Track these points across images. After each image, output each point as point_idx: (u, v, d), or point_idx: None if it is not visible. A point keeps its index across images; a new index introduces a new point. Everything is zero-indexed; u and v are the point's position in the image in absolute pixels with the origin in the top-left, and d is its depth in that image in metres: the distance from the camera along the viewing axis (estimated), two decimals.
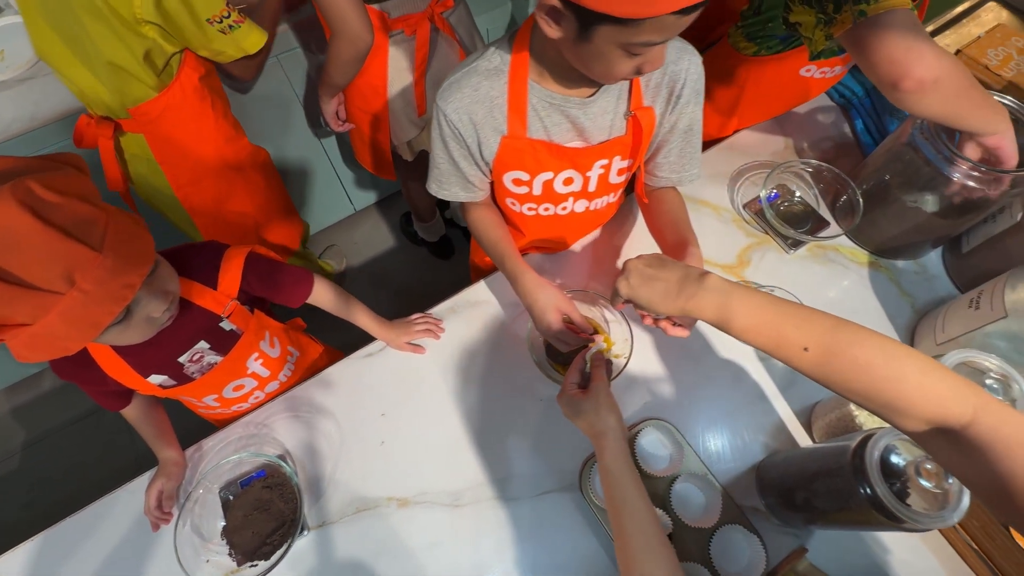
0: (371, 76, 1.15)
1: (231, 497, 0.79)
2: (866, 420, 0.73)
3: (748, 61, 0.99)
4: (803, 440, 0.84)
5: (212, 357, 0.76)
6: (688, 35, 0.64)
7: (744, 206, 1.05)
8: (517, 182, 0.79)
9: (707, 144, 1.13)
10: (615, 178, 0.81)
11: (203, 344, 0.74)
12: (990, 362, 0.65)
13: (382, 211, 2.09)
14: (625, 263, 0.64)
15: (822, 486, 0.67)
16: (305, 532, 0.79)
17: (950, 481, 0.57)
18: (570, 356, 0.82)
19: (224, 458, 0.81)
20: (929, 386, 0.45)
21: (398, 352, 0.92)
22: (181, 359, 0.73)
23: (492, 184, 0.85)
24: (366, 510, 0.81)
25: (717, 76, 1.04)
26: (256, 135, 1.32)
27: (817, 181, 1.03)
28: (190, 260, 0.70)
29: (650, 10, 0.48)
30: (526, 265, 0.80)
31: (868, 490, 0.57)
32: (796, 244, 1.00)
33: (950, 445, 0.44)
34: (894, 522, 0.56)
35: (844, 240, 1.01)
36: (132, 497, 0.82)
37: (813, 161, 1.02)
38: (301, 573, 0.77)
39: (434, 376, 0.91)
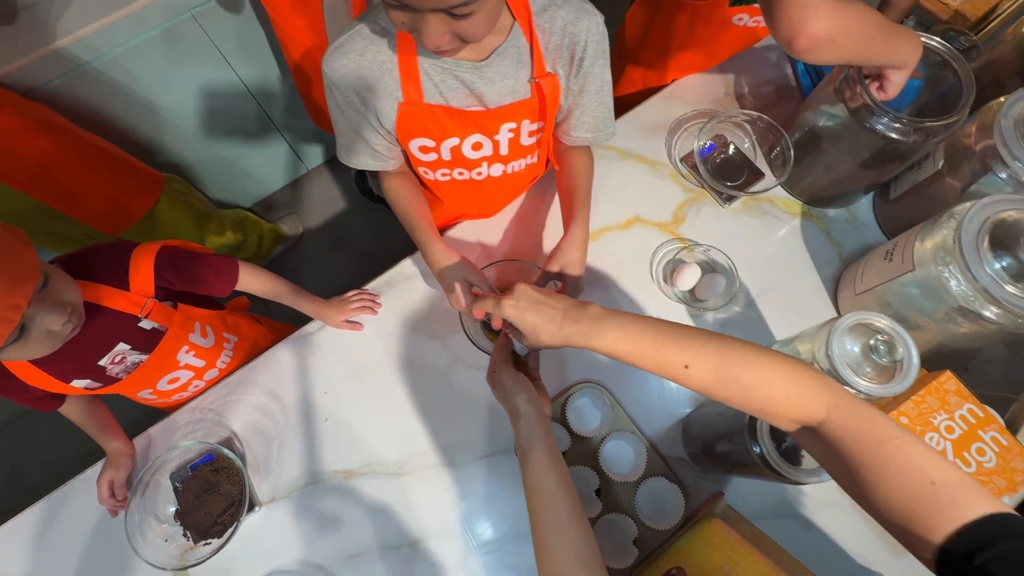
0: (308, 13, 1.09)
1: (180, 482, 0.83)
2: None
3: (678, 9, 0.95)
4: None
5: (136, 356, 0.76)
6: None
7: (681, 159, 1.03)
8: (424, 149, 0.77)
9: (645, 95, 1.10)
10: (527, 140, 0.80)
11: (123, 346, 0.74)
12: (880, 323, 0.67)
13: (335, 170, 2.03)
14: (516, 285, 0.61)
15: (731, 442, 0.71)
16: (257, 508, 0.83)
17: None
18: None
19: (171, 446, 0.84)
20: (790, 390, 0.48)
21: (337, 330, 0.93)
22: (101, 362, 0.73)
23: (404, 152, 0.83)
24: (314, 484, 0.85)
25: (649, 25, 0.99)
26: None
27: (753, 131, 1.01)
28: (93, 264, 0.69)
29: None
30: (436, 236, 0.80)
31: (758, 449, 0.61)
32: (731, 198, 0.99)
33: (813, 440, 0.47)
34: (783, 479, 0.60)
35: (779, 191, 1.01)
36: (86, 487, 0.85)
37: (747, 111, 1.00)
38: (257, 546, 0.82)
39: (374, 351, 0.92)
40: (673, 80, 1.11)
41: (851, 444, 0.43)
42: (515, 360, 0.68)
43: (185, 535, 0.80)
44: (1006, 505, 0.38)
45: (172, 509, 0.81)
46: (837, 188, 0.94)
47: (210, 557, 0.76)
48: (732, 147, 1.02)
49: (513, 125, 0.75)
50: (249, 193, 1.89)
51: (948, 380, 0.75)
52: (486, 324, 0.88)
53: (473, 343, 0.83)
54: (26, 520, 0.84)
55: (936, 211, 0.84)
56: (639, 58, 1.07)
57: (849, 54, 0.67)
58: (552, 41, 0.69)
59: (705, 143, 1.01)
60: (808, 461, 0.61)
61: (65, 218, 1.23)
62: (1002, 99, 0.79)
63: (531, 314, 0.58)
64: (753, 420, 0.62)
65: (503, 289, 0.90)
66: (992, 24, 1.07)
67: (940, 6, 1.10)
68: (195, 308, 0.84)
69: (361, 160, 0.79)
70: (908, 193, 0.91)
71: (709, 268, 0.94)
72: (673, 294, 0.92)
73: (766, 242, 0.98)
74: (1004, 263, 0.68)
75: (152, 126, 1.40)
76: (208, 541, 0.79)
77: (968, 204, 0.71)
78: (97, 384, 0.76)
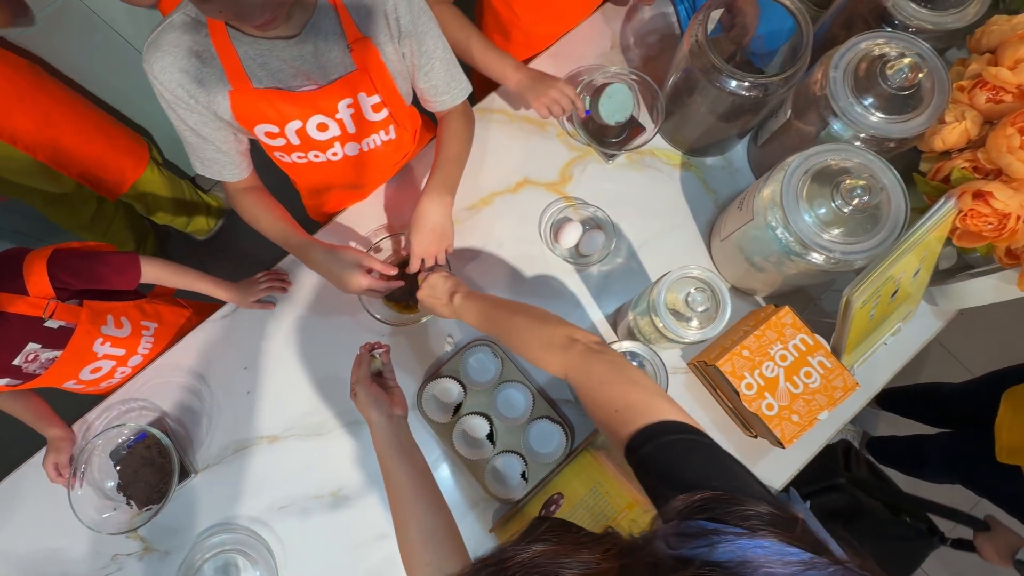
0: None
1: (118, 459, 0.92)
2: (645, 329, 0.85)
3: None
4: (610, 337, 0.98)
5: (49, 353, 0.83)
6: None
7: (568, 119, 1.07)
8: (270, 135, 0.79)
9: (530, 57, 1.11)
10: (373, 115, 0.82)
11: (33, 345, 0.80)
12: (696, 272, 0.75)
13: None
14: (429, 276, 0.80)
15: None
16: (193, 475, 0.93)
17: None
18: (402, 293, 0.92)
19: (106, 428, 0.92)
20: (543, 352, 0.64)
21: (250, 310, 1.00)
22: (16, 362, 0.80)
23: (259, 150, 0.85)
24: (243, 449, 0.95)
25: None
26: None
27: (631, 85, 1.04)
28: None
29: None
30: (309, 236, 0.84)
31: None
32: (614, 155, 1.04)
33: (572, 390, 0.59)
34: None
35: (661, 143, 1.06)
36: (38, 470, 0.94)
37: (623, 68, 1.02)
38: (198, 506, 0.93)
39: (287, 326, 1.00)
40: (547, 47, 1.11)
41: (579, 390, 0.59)
42: (376, 371, 0.77)
43: (128, 504, 0.90)
44: (678, 414, 0.49)
45: (114, 483, 0.91)
46: (708, 138, 0.99)
47: (150, 520, 0.87)
48: None
49: (350, 101, 0.78)
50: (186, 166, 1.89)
51: (786, 315, 0.85)
52: (388, 296, 0.95)
53: (374, 317, 0.90)
54: None
55: (800, 150, 0.90)
56: (503, 32, 1.09)
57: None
58: (363, 6, 0.72)
59: (587, 102, 1.04)
60: None
61: (60, 177, 1.29)
62: (841, 45, 0.83)
63: (428, 301, 0.80)
64: None
65: (398, 260, 0.97)
66: None
67: None
68: (104, 302, 0.89)
69: (215, 169, 0.81)
70: (771, 139, 0.97)
71: (592, 224, 1.01)
72: (559, 252, 0.99)
73: (648, 194, 1.04)
74: (820, 211, 0.75)
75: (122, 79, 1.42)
76: (150, 507, 0.89)
77: (794, 156, 0.78)
78: (17, 381, 0.82)
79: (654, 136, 1.00)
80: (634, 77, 1.03)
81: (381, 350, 0.77)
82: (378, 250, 0.96)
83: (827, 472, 1.29)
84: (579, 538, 0.34)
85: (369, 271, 0.83)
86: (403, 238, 0.96)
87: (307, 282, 1.01)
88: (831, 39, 0.96)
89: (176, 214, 1.63)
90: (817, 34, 1.00)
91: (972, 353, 1.91)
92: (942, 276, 0.95)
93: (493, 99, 1.09)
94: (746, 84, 0.82)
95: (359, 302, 0.91)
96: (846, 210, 0.73)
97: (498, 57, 0.95)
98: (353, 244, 1.01)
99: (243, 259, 2.06)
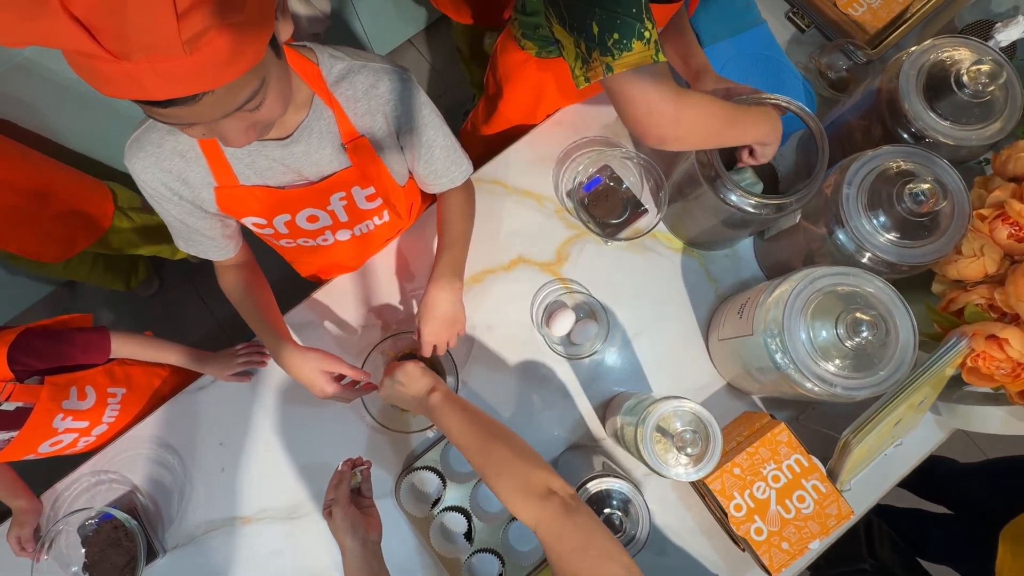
0: None
1: (85, 539, 0.89)
2: (628, 440, 0.81)
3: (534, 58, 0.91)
4: (599, 432, 0.95)
5: (4, 435, 0.79)
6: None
7: (567, 193, 1.03)
8: (258, 225, 0.76)
9: (526, 129, 1.06)
10: (367, 204, 0.79)
11: None
12: (688, 406, 0.72)
13: None
14: (394, 369, 0.76)
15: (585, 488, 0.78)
16: (161, 556, 0.91)
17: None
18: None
19: (77, 501, 0.90)
20: (515, 501, 0.61)
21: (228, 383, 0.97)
22: None
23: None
24: (214, 530, 0.92)
25: (512, 65, 0.95)
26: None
27: (636, 167, 1.00)
28: None
29: (108, 91, 0.43)
30: (284, 335, 0.80)
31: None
32: (612, 236, 1.00)
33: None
34: None
35: (662, 225, 1.02)
36: (3, 545, 0.91)
37: (626, 149, 0.98)
38: None
39: (264, 401, 0.96)
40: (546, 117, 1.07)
41: (547, 549, 0.57)
42: (355, 487, 0.74)
43: None
44: None
45: (78, 567, 0.89)
46: (710, 236, 0.95)
47: None
48: (616, 180, 1.01)
49: (343, 194, 0.75)
50: None
51: (781, 432, 0.81)
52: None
53: (369, 413, 0.87)
54: None
55: (807, 252, 0.86)
56: (507, 105, 1.04)
57: (702, 145, 0.73)
58: (360, 106, 0.69)
59: (589, 176, 1.00)
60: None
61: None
62: (858, 156, 0.79)
63: (396, 397, 0.76)
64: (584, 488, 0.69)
65: (399, 356, 0.93)
66: (891, 38, 1.04)
67: (842, 16, 1.05)
68: (70, 374, 0.86)
69: (200, 248, 0.78)
70: (779, 235, 0.93)
71: (586, 312, 0.97)
72: (549, 340, 0.96)
73: (646, 279, 1.00)
74: (822, 338, 0.71)
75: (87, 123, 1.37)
76: None
77: (799, 276, 0.73)
78: None
79: (656, 224, 0.96)
80: (634, 156, 0.98)
81: (363, 467, 0.74)
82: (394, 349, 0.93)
83: (851, 554, 1.27)
84: None
85: (339, 378, 0.80)
86: (404, 338, 0.92)
87: None
88: (848, 133, 0.91)
89: (161, 246, 1.58)
90: (833, 123, 0.96)
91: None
92: (949, 388, 0.90)
93: (489, 169, 1.04)
94: (752, 203, 0.78)
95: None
96: (852, 343, 0.69)
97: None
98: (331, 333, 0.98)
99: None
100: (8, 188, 1.13)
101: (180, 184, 0.68)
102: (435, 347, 0.84)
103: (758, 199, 0.76)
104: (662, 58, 0.62)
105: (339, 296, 1.00)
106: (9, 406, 0.78)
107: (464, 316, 0.83)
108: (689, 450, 0.67)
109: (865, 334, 0.67)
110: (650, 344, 0.98)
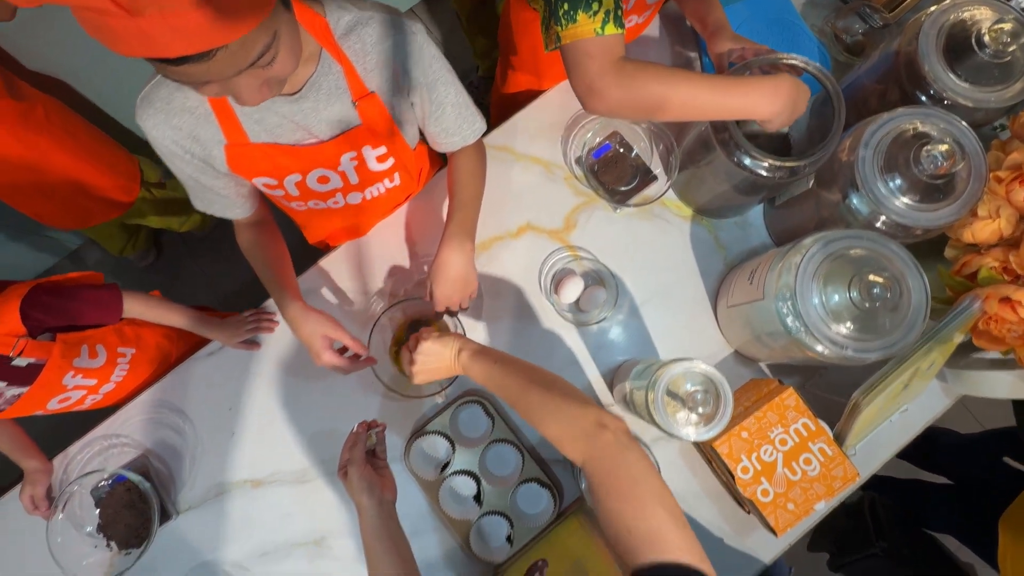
0: None
1: (99, 500, 0.91)
2: (639, 404, 0.82)
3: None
4: (606, 399, 0.95)
5: (15, 390, 0.79)
6: None
7: (576, 160, 1.02)
8: (268, 186, 0.76)
9: (532, 95, 1.05)
10: (377, 165, 0.78)
11: None
12: (700, 367, 0.72)
13: None
14: (421, 342, 0.72)
15: None
16: (174, 516, 0.92)
17: None
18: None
19: (89, 464, 0.91)
20: (561, 435, 0.59)
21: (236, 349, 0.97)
22: None
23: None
24: (225, 493, 0.93)
25: (521, 24, 0.93)
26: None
27: (646, 132, 0.99)
28: None
29: (121, 49, 0.44)
30: (294, 294, 0.80)
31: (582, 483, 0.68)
32: (622, 202, 0.99)
33: (586, 480, 0.56)
34: None
35: (671, 193, 1.01)
36: (15, 503, 0.93)
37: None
38: (179, 548, 0.92)
39: (273, 367, 0.97)
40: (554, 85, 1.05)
41: (595, 487, 0.54)
42: (370, 449, 0.73)
43: (108, 545, 0.89)
44: (691, 554, 0.47)
45: (94, 525, 0.90)
46: (720, 203, 0.94)
47: (131, 566, 0.86)
48: (625, 147, 1.00)
49: (353, 154, 0.74)
50: None
51: (789, 396, 0.82)
52: (397, 353, 0.92)
53: (380, 380, 0.87)
54: None
55: (819, 218, 0.85)
56: (518, 64, 1.02)
57: (655, 117, 0.71)
58: (370, 60, 0.67)
59: (597, 143, 0.99)
60: None
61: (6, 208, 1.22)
62: (875, 118, 0.77)
63: (425, 374, 0.73)
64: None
65: (408, 323, 0.93)
66: (907, 2, 1.01)
67: None
68: (81, 332, 0.86)
69: (215, 208, 0.78)
70: (791, 202, 0.92)
71: (594, 279, 0.97)
72: (558, 306, 0.96)
73: (655, 247, 1.00)
74: (834, 301, 0.71)
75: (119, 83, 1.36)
76: (129, 551, 0.88)
77: (812, 239, 0.73)
78: None
79: (665, 191, 0.95)
80: (649, 127, 0.97)
81: (378, 428, 0.74)
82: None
83: (861, 540, 1.30)
84: None
85: (343, 350, 0.80)
86: (411, 304, 0.92)
87: None
88: (863, 97, 0.90)
89: (170, 218, 1.59)
90: (848, 87, 0.94)
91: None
92: (956, 355, 0.91)
93: (497, 135, 1.03)
94: (766, 165, 0.77)
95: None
96: (864, 305, 0.69)
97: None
98: (335, 300, 0.98)
99: (239, 256, 2.03)
100: (44, 161, 1.12)
101: (191, 142, 0.68)
102: (445, 312, 0.84)
103: (771, 162, 0.75)
104: (611, 31, 0.62)
105: (347, 263, 0.99)
106: (21, 362, 0.78)
107: (476, 277, 0.83)
108: (700, 410, 0.67)
109: (878, 294, 0.67)
110: (658, 312, 0.97)
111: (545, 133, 1.03)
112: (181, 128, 0.66)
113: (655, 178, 0.99)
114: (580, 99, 0.69)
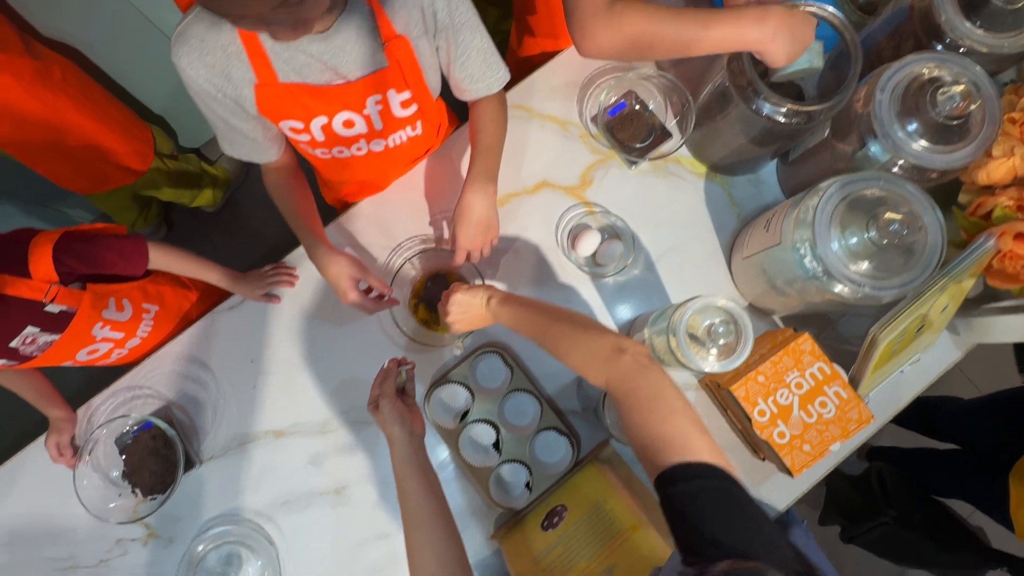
0: None
1: (124, 447, 0.92)
2: (659, 348, 0.83)
3: None
4: None
5: (47, 337, 0.81)
6: None
7: (592, 119, 1.03)
8: (294, 130, 0.77)
9: (547, 57, 1.06)
10: (401, 111, 0.80)
11: (32, 328, 0.78)
12: (721, 303, 0.73)
13: None
14: (452, 295, 0.75)
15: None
16: (198, 465, 0.93)
17: None
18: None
19: (112, 415, 0.92)
20: (583, 360, 0.61)
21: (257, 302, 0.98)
22: (12, 344, 0.78)
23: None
24: (248, 443, 0.95)
25: None
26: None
27: (661, 89, 1.00)
28: None
29: None
30: (320, 236, 0.82)
31: (608, 420, 0.69)
32: (638, 158, 1.01)
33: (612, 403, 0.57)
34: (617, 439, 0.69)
35: (686, 150, 1.02)
36: (40, 451, 0.94)
37: (652, 71, 0.98)
38: (202, 496, 0.93)
39: (294, 320, 0.98)
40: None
41: (619, 405, 0.57)
42: (399, 387, 0.76)
43: (133, 492, 0.91)
44: (713, 455, 0.49)
45: (119, 471, 0.91)
46: (736, 157, 0.95)
47: (156, 510, 0.87)
48: (640, 105, 1.01)
49: (378, 97, 0.75)
50: (189, 137, 1.85)
51: (805, 342, 0.83)
52: (416, 305, 0.94)
53: (400, 329, 0.89)
54: None
55: (834, 171, 0.86)
56: (535, 24, 1.03)
57: (649, 56, 0.72)
58: (398, 1, 0.69)
59: (612, 102, 1.00)
60: None
61: (26, 171, 1.23)
62: (890, 65, 0.79)
63: (460, 323, 0.75)
64: (603, 395, 0.70)
65: (428, 276, 0.95)
66: None
67: None
68: (109, 285, 0.87)
69: (243, 151, 0.80)
70: (803, 156, 0.93)
71: (611, 233, 0.98)
72: (575, 261, 0.97)
73: (670, 203, 1.01)
74: (852, 241, 0.72)
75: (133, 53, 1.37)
76: (155, 496, 0.90)
77: (830, 181, 0.74)
78: (12, 363, 0.81)
79: (680, 147, 0.96)
80: (659, 78, 0.98)
81: (407, 366, 0.76)
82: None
83: (871, 510, 1.32)
84: None
85: (367, 291, 0.82)
86: (445, 226, 0.93)
87: (316, 274, 0.99)
88: (877, 52, 0.91)
89: (182, 192, 1.60)
90: (862, 42, 0.95)
91: (976, 364, 1.89)
92: (967, 306, 0.92)
93: (515, 94, 1.04)
94: (784, 111, 0.78)
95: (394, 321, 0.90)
96: (882, 243, 0.70)
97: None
98: (350, 250, 0.99)
99: (250, 234, 2.04)
100: (62, 121, 1.13)
101: (223, 80, 0.69)
102: (465, 263, 0.85)
103: (790, 106, 0.77)
104: None
105: (365, 220, 1.00)
106: (53, 308, 0.79)
107: (498, 223, 0.84)
108: (722, 341, 0.69)
109: (895, 231, 0.68)
110: (673, 266, 0.99)
111: (561, 92, 1.04)
112: (214, 66, 0.67)
113: (669, 135, 1.00)
114: (575, 43, 0.70)
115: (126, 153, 1.31)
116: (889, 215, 0.69)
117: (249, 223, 1.92)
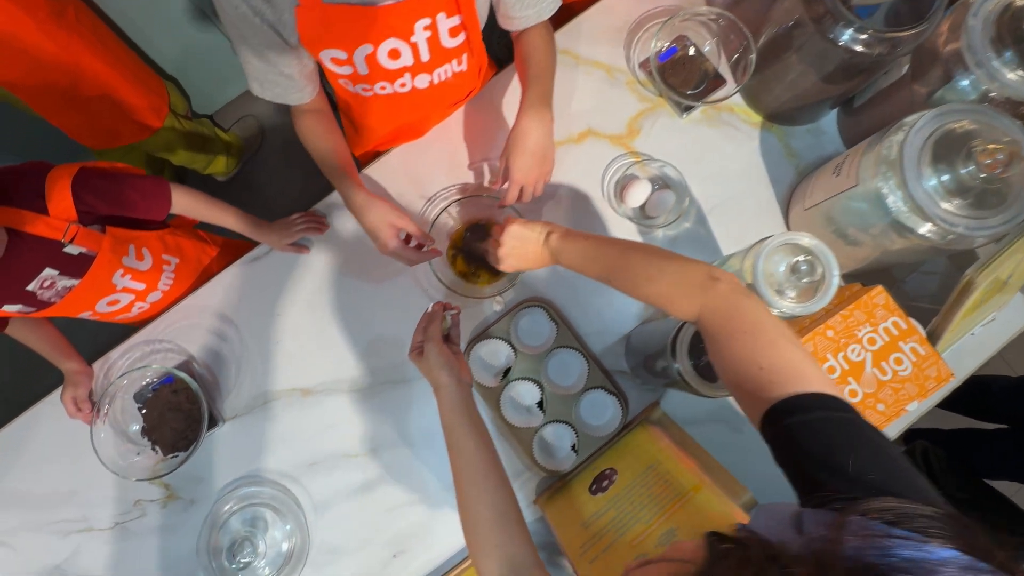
0: None
1: (143, 402, 0.86)
2: None
3: None
4: None
5: (66, 281, 0.76)
6: None
7: (640, 65, 0.97)
8: (336, 61, 0.71)
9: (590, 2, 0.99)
10: (449, 40, 0.74)
11: (50, 271, 0.73)
12: (805, 242, 0.67)
13: None
14: (509, 226, 0.68)
15: (663, 358, 0.74)
16: (220, 423, 0.88)
17: None
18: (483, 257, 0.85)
19: (131, 368, 0.87)
20: (671, 289, 0.54)
21: (284, 253, 0.92)
22: (30, 287, 0.72)
23: (321, 72, 0.77)
24: (273, 401, 0.89)
25: None
26: None
27: (717, 31, 0.94)
28: (8, 187, 0.66)
29: None
30: (357, 182, 0.77)
31: (677, 365, 0.63)
32: (689, 107, 0.95)
33: (702, 335, 0.51)
34: (697, 393, 0.64)
35: (740, 98, 0.96)
36: (55, 408, 0.89)
37: (709, 9, 0.91)
38: (225, 456, 0.88)
39: (322, 272, 0.92)
40: None
41: (716, 336, 0.49)
42: (444, 332, 0.70)
43: (153, 449, 0.85)
44: (833, 388, 0.43)
45: (138, 427, 0.86)
46: (799, 102, 0.89)
47: (177, 468, 0.81)
48: (693, 50, 0.95)
49: (428, 22, 0.70)
50: (202, 103, 1.79)
51: (879, 295, 0.77)
52: (455, 256, 0.88)
53: (438, 278, 0.83)
54: (2, 439, 0.88)
55: (896, 120, 0.80)
56: None
57: None
58: None
59: (663, 46, 0.94)
60: None
61: (41, 122, 1.17)
62: None
63: (513, 258, 0.69)
64: (675, 338, 0.64)
65: (467, 226, 0.89)
66: None
67: None
68: (128, 230, 0.82)
69: (276, 91, 0.74)
70: (871, 101, 0.87)
71: (660, 183, 0.92)
72: (623, 212, 0.91)
73: (722, 154, 0.95)
74: (943, 178, 0.66)
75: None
76: (176, 454, 0.84)
77: (918, 115, 0.68)
78: (31, 308, 0.76)
79: (737, 91, 0.90)
80: (716, 19, 0.92)
81: (453, 311, 0.70)
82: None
83: None
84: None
85: (407, 240, 0.76)
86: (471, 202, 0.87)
87: (345, 224, 0.93)
88: None
89: (196, 156, 1.54)
90: None
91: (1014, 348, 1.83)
92: None
93: (559, 39, 0.97)
94: (866, 38, 0.71)
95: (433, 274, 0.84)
96: (978, 179, 0.64)
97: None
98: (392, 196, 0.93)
99: (263, 205, 1.98)
100: (76, 65, 1.07)
101: (263, 3, 0.63)
102: (507, 209, 0.79)
103: (874, 31, 0.70)
104: None
105: (400, 168, 0.94)
106: (73, 250, 0.73)
107: (554, 153, 0.78)
108: (806, 280, 0.63)
109: (997, 161, 0.62)
110: (725, 220, 0.93)
111: (608, 37, 0.98)
112: None
113: (724, 80, 0.94)
114: None
115: (140, 107, 1.25)
116: (992, 145, 0.63)
117: (263, 192, 1.86)
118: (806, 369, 0.44)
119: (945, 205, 0.66)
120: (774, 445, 0.42)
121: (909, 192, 0.66)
